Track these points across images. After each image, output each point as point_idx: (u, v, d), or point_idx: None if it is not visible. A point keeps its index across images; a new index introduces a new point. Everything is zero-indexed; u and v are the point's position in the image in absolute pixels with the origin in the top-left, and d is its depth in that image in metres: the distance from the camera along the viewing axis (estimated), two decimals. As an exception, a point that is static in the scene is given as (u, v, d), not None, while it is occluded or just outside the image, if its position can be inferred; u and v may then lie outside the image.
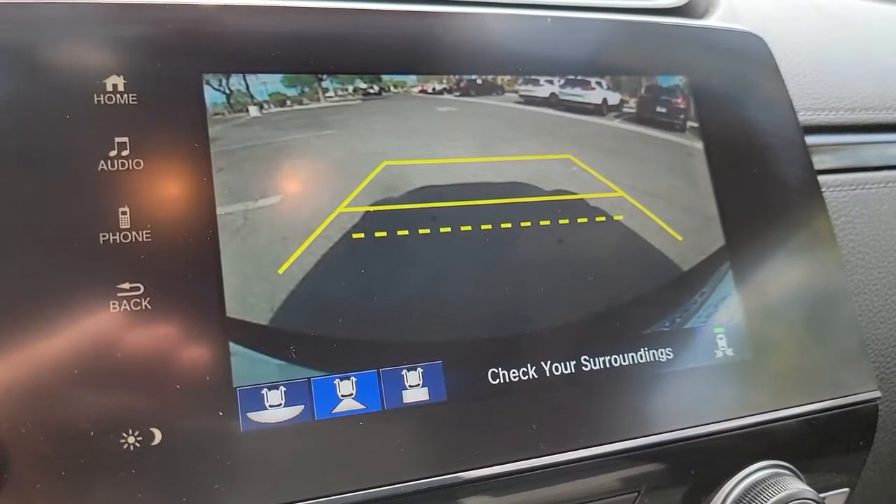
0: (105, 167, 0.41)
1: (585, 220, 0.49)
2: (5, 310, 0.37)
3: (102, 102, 0.41)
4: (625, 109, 0.53)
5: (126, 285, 0.39)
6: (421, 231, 0.45)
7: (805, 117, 0.63)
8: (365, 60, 0.47)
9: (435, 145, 0.47)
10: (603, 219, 0.49)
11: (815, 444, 0.51)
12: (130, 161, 0.41)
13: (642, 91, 0.54)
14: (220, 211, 0.41)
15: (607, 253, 0.49)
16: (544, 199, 0.49)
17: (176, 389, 0.39)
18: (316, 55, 0.46)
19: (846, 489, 0.54)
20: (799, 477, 0.50)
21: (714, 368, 0.49)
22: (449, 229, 0.46)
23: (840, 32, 0.71)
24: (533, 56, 0.51)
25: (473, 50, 0.50)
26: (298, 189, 0.44)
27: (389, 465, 0.41)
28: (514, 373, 0.45)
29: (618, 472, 0.46)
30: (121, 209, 0.40)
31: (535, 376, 0.45)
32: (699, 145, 0.54)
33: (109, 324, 0.38)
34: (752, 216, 0.54)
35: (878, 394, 0.53)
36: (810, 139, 0.60)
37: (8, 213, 0.38)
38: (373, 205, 0.45)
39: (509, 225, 0.47)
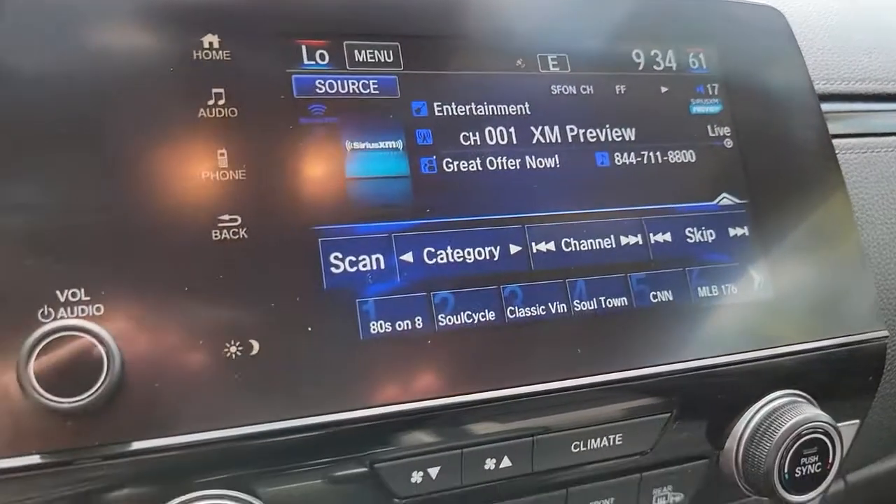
0: (204, 114, 0.46)
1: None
2: (125, 238, 0.42)
3: (200, 58, 0.47)
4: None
5: (226, 217, 0.45)
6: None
7: (820, 87, 0.68)
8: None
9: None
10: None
11: (828, 377, 0.57)
12: (226, 109, 0.46)
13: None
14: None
15: (650, 185, 0.54)
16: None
17: (270, 307, 0.44)
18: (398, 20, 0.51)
19: (857, 420, 0.59)
20: (814, 405, 0.55)
21: (739, 306, 0.55)
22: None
23: (853, 8, 0.76)
24: (568, 31, 0.56)
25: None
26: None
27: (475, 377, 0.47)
28: (575, 304, 0.50)
29: (653, 394, 0.51)
30: (219, 151, 0.46)
31: (591, 307, 0.51)
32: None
33: (212, 249, 0.44)
34: (772, 172, 0.59)
35: (885, 333, 0.58)
36: (825, 106, 0.65)
37: (124, 154, 0.44)
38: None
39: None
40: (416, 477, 0.46)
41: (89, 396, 0.38)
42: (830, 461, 0.54)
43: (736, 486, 0.56)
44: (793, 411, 0.54)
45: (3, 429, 0.38)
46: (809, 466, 0.54)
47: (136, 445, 0.40)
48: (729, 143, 0.59)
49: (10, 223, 0.41)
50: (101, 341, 0.39)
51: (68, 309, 0.40)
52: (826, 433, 0.53)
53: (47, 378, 0.37)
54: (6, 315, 0.39)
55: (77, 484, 0.39)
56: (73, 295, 0.41)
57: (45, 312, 0.40)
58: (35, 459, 0.38)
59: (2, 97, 0.42)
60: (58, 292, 0.41)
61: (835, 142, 0.63)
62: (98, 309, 0.41)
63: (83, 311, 0.40)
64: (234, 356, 0.43)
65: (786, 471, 0.53)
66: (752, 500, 0.60)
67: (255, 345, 0.43)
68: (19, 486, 0.39)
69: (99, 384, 0.38)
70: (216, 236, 0.44)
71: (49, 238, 0.41)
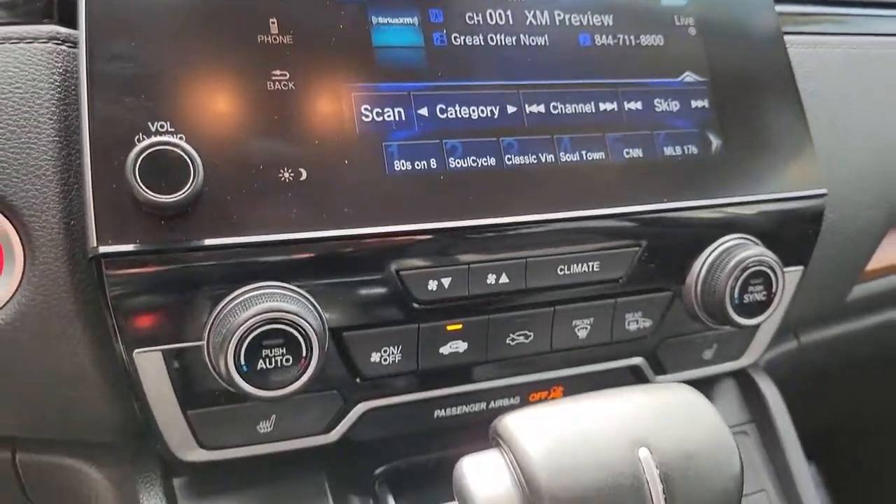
0: (257, -8, 0.56)
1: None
2: (201, 86, 0.53)
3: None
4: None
5: (277, 72, 0.55)
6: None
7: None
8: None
9: None
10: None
11: (774, 225, 0.67)
12: (275, -13, 0.57)
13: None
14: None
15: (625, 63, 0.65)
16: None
17: (315, 144, 0.55)
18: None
19: (800, 267, 0.70)
20: (761, 246, 0.66)
21: (698, 163, 0.65)
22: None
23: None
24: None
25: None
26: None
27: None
28: (561, 155, 0.61)
29: (624, 230, 0.62)
30: (270, 20, 0.56)
31: (574, 159, 0.61)
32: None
33: (267, 97, 0.54)
34: (730, 56, 0.69)
35: (824, 191, 0.69)
36: (779, 7, 0.75)
37: (200, 22, 0.54)
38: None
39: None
40: (432, 285, 0.57)
41: (180, 195, 0.49)
42: (774, 291, 0.65)
43: (696, 318, 0.67)
44: (742, 249, 0.65)
45: (112, 223, 0.49)
46: (756, 294, 0.65)
47: (212, 242, 0.51)
48: (693, 31, 0.69)
49: (114, 70, 0.51)
50: (188, 154, 0.49)
51: (157, 136, 0.51)
52: (770, 267, 0.64)
53: (149, 180, 0.48)
54: (112, 138, 0.50)
55: (165, 271, 0.50)
56: (161, 126, 0.51)
57: (140, 138, 0.51)
58: (136, 247, 0.49)
59: None
60: (149, 123, 0.51)
61: (786, 37, 0.74)
62: (181, 137, 0.51)
63: (169, 137, 0.51)
64: (287, 180, 0.53)
65: (736, 297, 0.64)
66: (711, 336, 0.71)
67: (304, 172, 0.54)
68: (122, 269, 0.49)
69: (187, 186, 0.49)
70: (270, 87, 0.55)
71: (143, 83, 0.52)
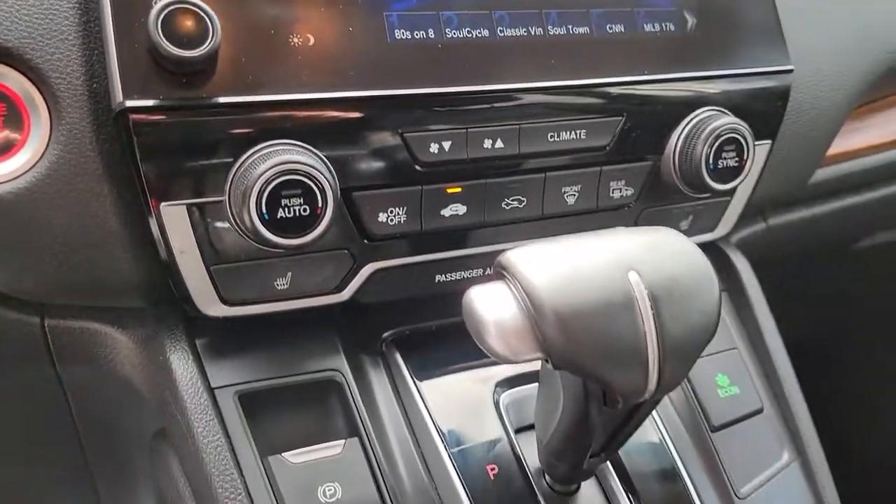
0: None
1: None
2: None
3: None
4: None
5: None
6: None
7: None
8: None
9: None
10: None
11: (745, 98, 0.73)
12: None
13: None
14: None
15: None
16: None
17: (321, 10, 0.58)
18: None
19: (769, 141, 0.76)
20: (733, 117, 0.72)
21: (676, 39, 0.70)
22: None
23: None
24: None
25: None
26: None
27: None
28: (549, 28, 0.65)
29: (608, 99, 0.67)
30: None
31: (561, 32, 0.65)
32: None
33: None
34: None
35: (791, 67, 0.74)
36: None
37: None
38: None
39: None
40: (434, 148, 0.62)
41: (201, 50, 0.52)
42: (745, 157, 0.70)
43: (674, 187, 0.72)
44: (716, 119, 0.70)
45: (136, 79, 0.52)
46: (729, 161, 0.70)
47: (230, 99, 0.54)
48: (669, -84, 0.73)
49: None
50: (206, 13, 0.52)
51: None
52: (741, 135, 0.70)
53: (170, 36, 0.51)
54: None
55: (188, 125, 0.54)
56: (179, -8, 0.54)
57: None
58: (160, 101, 0.52)
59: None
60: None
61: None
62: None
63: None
64: (296, 44, 0.57)
65: (711, 163, 0.70)
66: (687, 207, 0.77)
67: (311, 38, 0.58)
68: (148, 123, 0.53)
69: (207, 42, 0.52)
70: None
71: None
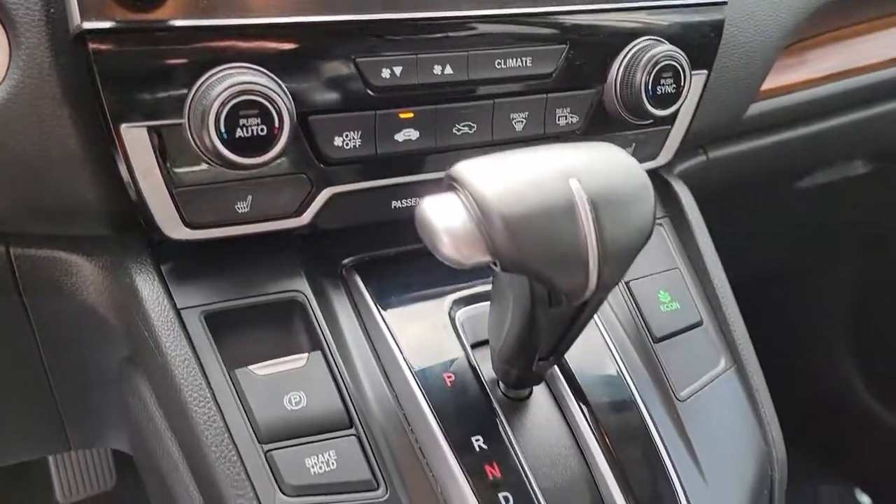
0: None
1: None
2: None
3: None
4: None
5: None
6: None
7: None
8: None
9: None
10: None
11: (682, 30, 0.76)
12: None
13: None
14: None
15: None
16: None
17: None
18: None
19: (705, 71, 0.80)
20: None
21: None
22: None
23: None
24: None
25: None
26: None
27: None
28: None
29: (553, 27, 0.70)
30: None
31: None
32: None
33: None
34: None
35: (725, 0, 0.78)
36: None
37: None
38: None
39: None
40: (386, 73, 0.64)
41: None
42: (682, 84, 0.74)
43: (618, 116, 0.76)
44: (654, 47, 0.74)
45: (93, 3, 0.54)
46: (667, 87, 0.74)
47: (186, 23, 0.56)
48: None
49: None
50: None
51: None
52: (678, 62, 0.74)
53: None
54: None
55: (146, 48, 0.56)
56: (130, -84, 0.56)
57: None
58: (117, 24, 0.54)
59: None
60: (118, -86, 0.55)
61: None
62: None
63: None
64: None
65: (650, 89, 0.73)
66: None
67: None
68: (106, 44, 0.54)
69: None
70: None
71: None
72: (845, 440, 2.08)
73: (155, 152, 0.59)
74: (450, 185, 0.57)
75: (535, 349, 0.63)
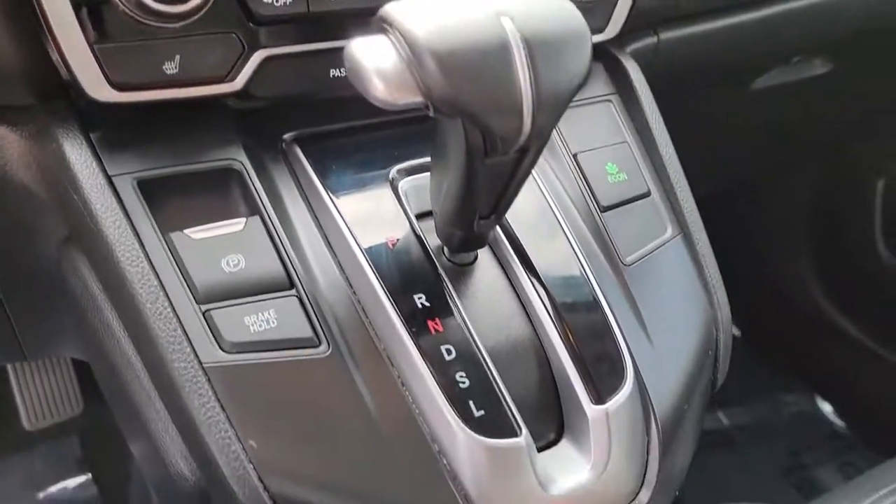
0: None
1: None
2: None
3: None
4: None
5: None
6: None
7: None
8: None
9: None
10: None
11: None
12: None
13: None
14: None
15: None
16: None
17: None
18: None
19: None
20: None
21: None
22: None
23: None
24: None
25: None
26: None
27: None
28: None
29: None
30: None
31: None
32: None
33: None
34: None
35: None
36: None
37: None
38: None
39: None
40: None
41: None
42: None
43: None
44: None
45: None
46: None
47: None
48: None
49: None
50: None
51: None
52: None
53: None
54: None
55: None
56: None
57: None
58: None
59: None
60: None
61: None
62: None
63: None
64: None
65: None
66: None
67: None
68: None
69: None
70: None
71: None
72: (807, 349, 2.13)
73: (72, 4, 0.57)
74: (380, 26, 0.55)
75: (475, 206, 0.62)
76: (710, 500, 1.74)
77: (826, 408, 2.03)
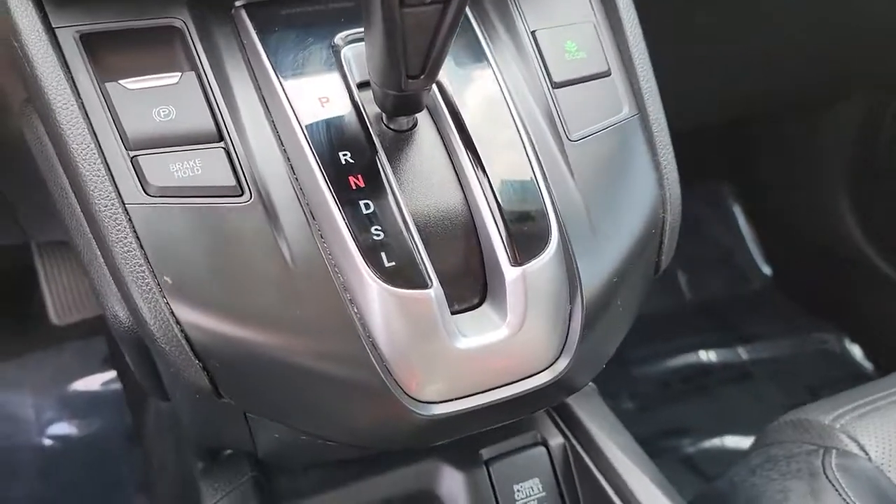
0: None
1: None
2: None
3: None
4: None
5: None
6: None
7: None
8: None
9: None
10: None
11: None
12: None
13: None
14: None
15: None
16: None
17: None
18: None
19: None
20: None
21: None
22: None
23: None
24: None
25: None
26: None
27: None
28: None
29: None
30: None
31: None
32: None
33: None
34: None
35: None
36: None
37: None
38: None
39: None
40: None
41: None
42: None
43: None
44: None
45: None
46: None
47: None
48: None
49: None
50: None
51: None
52: None
53: None
54: None
55: None
56: None
57: None
58: None
59: None
60: None
61: None
62: None
63: None
64: None
65: None
66: None
67: None
68: None
69: None
70: None
71: None
72: (841, 290, 2.05)
73: None
74: None
75: (400, 62, 0.62)
76: (714, 427, 1.73)
77: (855, 350, 1.95)
